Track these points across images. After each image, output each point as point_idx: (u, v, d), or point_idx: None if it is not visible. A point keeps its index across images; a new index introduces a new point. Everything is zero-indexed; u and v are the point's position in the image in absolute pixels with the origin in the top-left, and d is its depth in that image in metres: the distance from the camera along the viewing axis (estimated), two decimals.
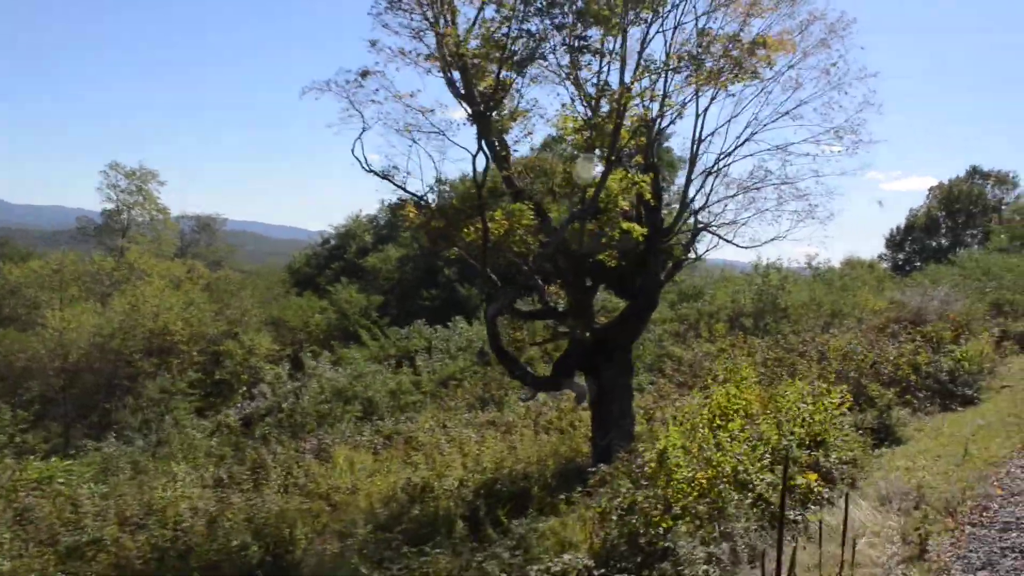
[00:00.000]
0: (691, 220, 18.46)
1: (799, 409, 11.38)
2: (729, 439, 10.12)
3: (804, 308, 28.36)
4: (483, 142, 12.86)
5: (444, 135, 12.85)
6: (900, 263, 63.23)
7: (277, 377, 28.98)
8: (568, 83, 13.67)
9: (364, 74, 12.07)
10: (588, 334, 15.81)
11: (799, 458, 10.12)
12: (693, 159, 16.92)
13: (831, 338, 23.63)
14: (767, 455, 10.13)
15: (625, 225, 15.89)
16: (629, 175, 15.92)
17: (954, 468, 10.02)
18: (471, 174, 13.50)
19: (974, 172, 60.99)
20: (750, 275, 34.63)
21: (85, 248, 53.46)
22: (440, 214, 13.32)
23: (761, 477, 9.27)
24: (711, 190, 18.22)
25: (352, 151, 12.95)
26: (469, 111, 13.17)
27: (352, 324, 39.02)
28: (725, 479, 9.22)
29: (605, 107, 13.47)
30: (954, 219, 59.86)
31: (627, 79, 13.34)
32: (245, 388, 30.80)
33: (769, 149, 16.70)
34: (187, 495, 16.94)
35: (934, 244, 60.48)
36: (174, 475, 18.50)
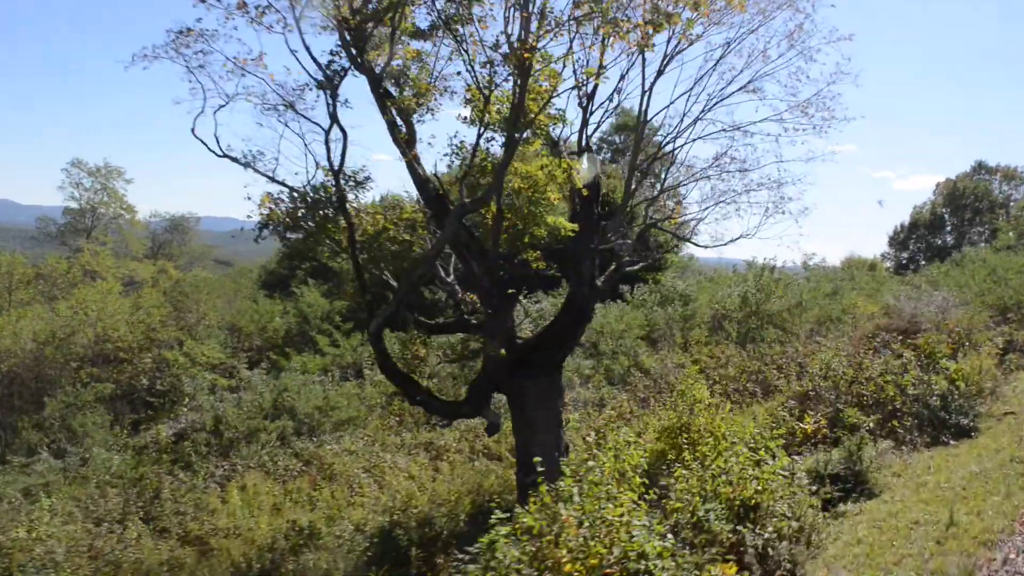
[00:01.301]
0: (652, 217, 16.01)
1: (731, 461, 8.72)
2: (631, 504, 7.50)
3: (790, 313, 25.66)
4: (336, 116, 10.27)
5: (293, 109, 10.25)
6: (904, 262, 60.43)
7: (210, 389, 26.55)
8: (465, 47, 11.04)
9: (184, 33, 9.52)
10: (504, 352, 13.26)
11: (719, 535, 7.51)
12: (638, 142, 14.35)
13: (817, 349, 21.04)
14: (680, 527, 7.54)
15: (550, 220, 13.35)
16: (555, 160, 13.45)
17: (934, 547, 7.38)
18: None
19: (979, 167, 58.01)
20: (737, 276, 31.96)
21: (49, 248, 51.05)
22: (303, 207, 10.73)
23: (661, 567, 6.64)
24: (664, 179, 15.73)
25: (193, 131, 10.38)
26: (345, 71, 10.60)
27: (313, 330, 36.44)
28: (609, 570, 6.64)
29: (503, 72, 10.88)
30: (960, 216, 56.95)
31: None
32: (187, 400, 28.41)
33: (725, 130, 14.11)
34: (44, 535, 14.61)
35: (939, 242, 57.57)
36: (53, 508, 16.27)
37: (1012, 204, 54.61)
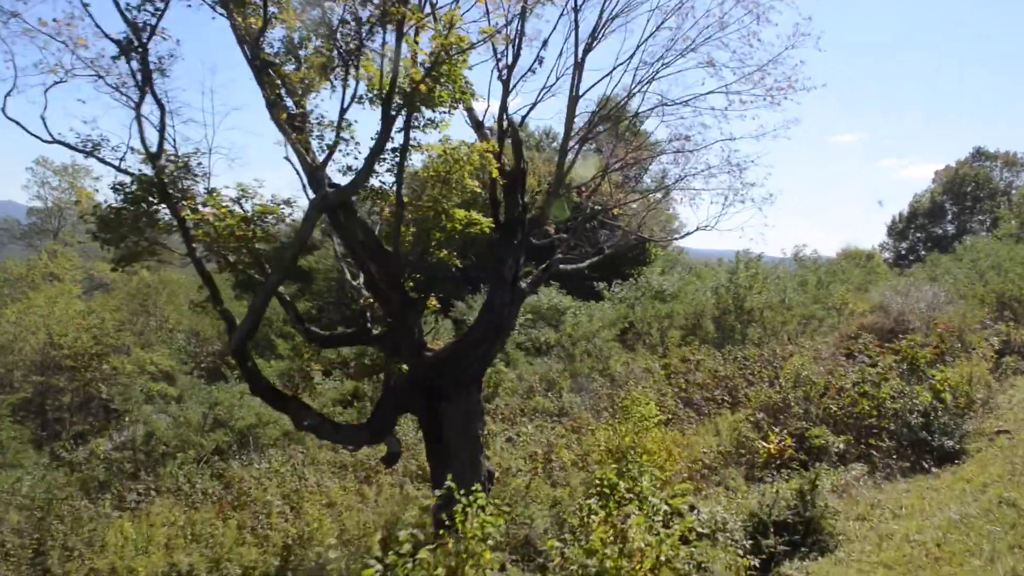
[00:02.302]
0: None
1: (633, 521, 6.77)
2: None
3: (773, 311, 23.68)
4: (148, 84, 8.33)
5: (102, 79, 8.29)
6: (903, 253, 58.38)
7: (147, 399, 24.79)
8: None
9: None
10: (405, 367, 11.41)
11: None
12: (570, 120, 12.40)
13: (796, 351, 19.10)
14: None
15: (460, 215, 11.43)
16: (467, 144, 11.55)
17: None
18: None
19: (979, 154, 55.77)
20: (718, 270, 29.97)
21: (14, 251, 49.19)
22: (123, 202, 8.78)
23: None
24: (608, 165, 13.81)
25: (3, 110, 8.46)
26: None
27: (275, 333, 34.64)
28: None
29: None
30: (960, 204, 54.82)
31: None
32: (131, 411, 26.63)
33: (665, 104, 12.17)
34: None
35: (939, 232, 55.47)
36: None
37: (1014, 191, 52.45)
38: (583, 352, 25.27)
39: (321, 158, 10.23)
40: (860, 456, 11.70)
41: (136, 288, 41.54)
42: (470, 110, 12.40)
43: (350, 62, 8.90)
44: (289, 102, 10.29)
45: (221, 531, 13.80)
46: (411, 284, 11.81)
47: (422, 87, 9.07)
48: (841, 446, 11.49)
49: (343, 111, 9.12)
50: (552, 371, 23.40)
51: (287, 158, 10.40)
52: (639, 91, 12.05)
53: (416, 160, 11.99)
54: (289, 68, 10.32)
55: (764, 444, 12.65)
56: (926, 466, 10.64)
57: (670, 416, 17.22)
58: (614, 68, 12.14)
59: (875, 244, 58.81)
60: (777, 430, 13.06)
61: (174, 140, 8.95)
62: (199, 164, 9.09)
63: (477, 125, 12.31)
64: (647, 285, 29.64)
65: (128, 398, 23.97)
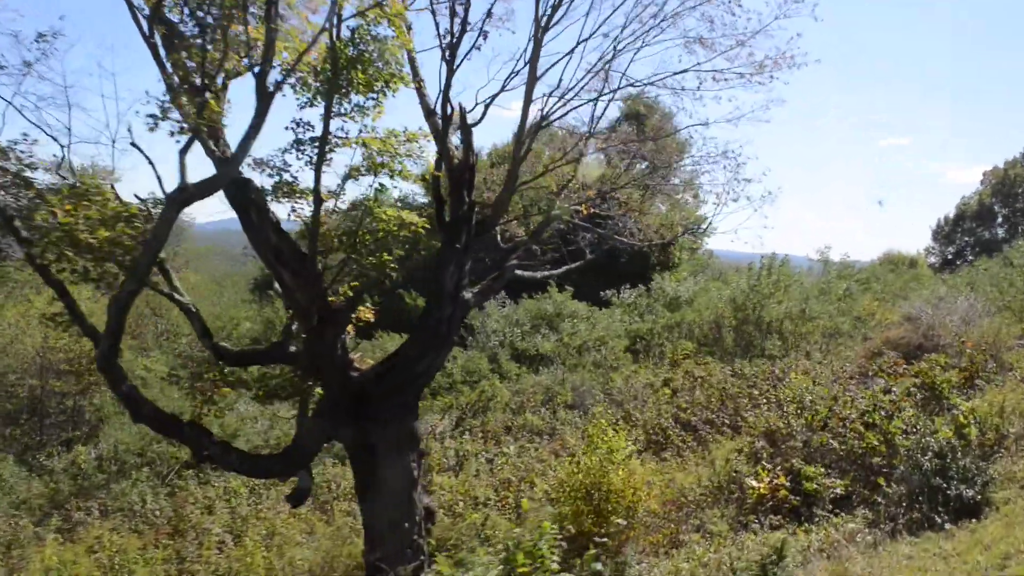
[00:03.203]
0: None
1: None
2: None
3: (793, 322, 21.65)
4: None
5: None
6: (949, 258, 55.35)
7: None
8: None
9: None
10: (320, 391, 9.88)
11: None
12: (527, 105, 10.75)
13: (809, 369, 17.18)
14: None
15: (389, 214, 9.85)
16: (409, 133, 10.01)
17: None
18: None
19: None
20: (738, 275, 27.90)
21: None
22: None
23: None
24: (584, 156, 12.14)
25: None
26: None
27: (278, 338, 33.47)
28: None
29: None
30: (1011, 206, 51.65)
31: None
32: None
33: (633, 85, 10.43)
34: None
35: (987, 235, 52.36)
36: None
37: None
38: (591, 363, 23.57)
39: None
40: (863, 502, 9.83)
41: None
42: (422, 96, 10.87)
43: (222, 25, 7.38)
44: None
45: (148, 561, 12.47)
46: (349, 292, 10.33)
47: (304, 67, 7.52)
48: (840, 491, 9.63)
49: (258, 119, 7.60)
50: (551, 387, 21.73)
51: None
52: (601, 69, 10.28)
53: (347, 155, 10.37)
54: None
55: (754, 483, 10.84)
56: (939, 521, 8.72)
57: (660, 442, 15.48)
58: (576, 45, 10.42)
59: (920, 248, 55.86)
60: (770, 466, 11.25)
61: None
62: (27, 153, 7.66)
63: (428, 113, 10.73)
64: (661, 291, 27.73)
65: (100, 407, 22.85)
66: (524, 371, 22.67)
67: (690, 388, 17.96)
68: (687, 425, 15.93)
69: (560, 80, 10.29)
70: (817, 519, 9.52)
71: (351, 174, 10.11)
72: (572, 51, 10.37)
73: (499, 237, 12.97)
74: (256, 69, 8.15)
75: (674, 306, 27.25)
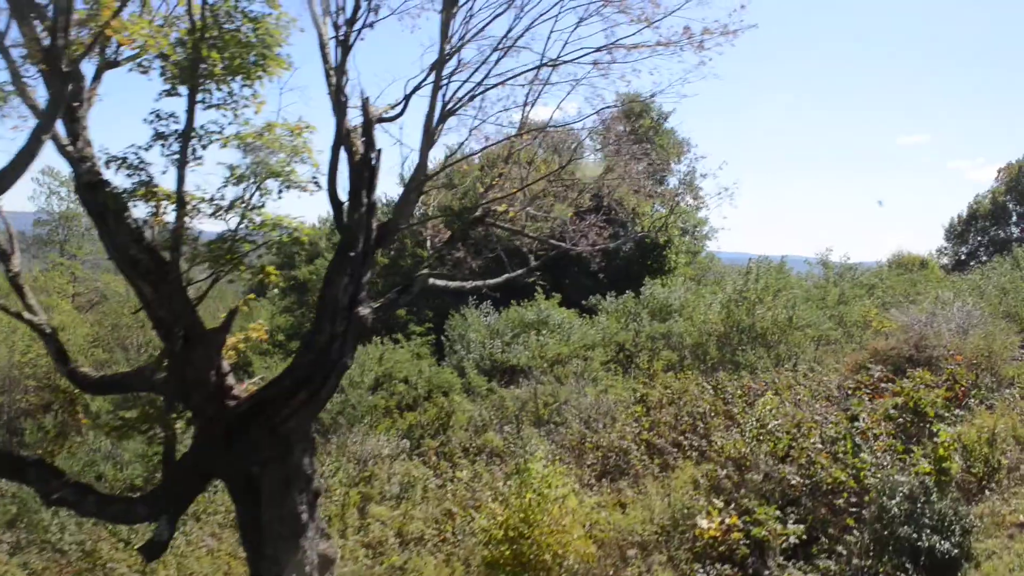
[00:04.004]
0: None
1: None
2: None
3: (781, 331, 20.07)
4: None
5: None
6: (963, 258, 53.38)
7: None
8: None
9: None
10: (182, 424, 8.54)
11: None
12: (436, 90, 9.34)
13: (792, 384, 15.68)
14: None
15: (264, 216, 8.52)
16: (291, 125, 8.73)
17: None
18: None
19: None
20: (731, 280, 26.27)
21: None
22: None
23: None
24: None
25: None
26: None
27: (252, 351, 32.20)
28: None
29: None
30: None
31: None
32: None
33: (546, 66, 9.02)
34: None
35: (1001, 234, 50.41)
36: None
37: None
38: (568, 375, 22.11)
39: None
40: (826, 551, 8.35)
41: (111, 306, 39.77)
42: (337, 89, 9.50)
43: None
44: None
45: None
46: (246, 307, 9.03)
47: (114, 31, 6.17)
48: (793, 539, 8.16)
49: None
50: (527, 399, 20.33)
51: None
52: (512, 46, 8.87)
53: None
54: None
55: (704, 523, 9.38)
56: None
57: (622, 467, 14.05)
58: (492, 19, 9.01)
59: (932, 249, 53.88)
60: (724, 503, 9.79)
61: None
62: None
63: (339, 105, 9.37)
64: (650, 298, 26.21)
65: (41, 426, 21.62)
66: (494, 385, 21.23)
67: (667, 404, 16.47)
68: (654, 447, 14.49)
69: (458, 61, 8.85)
70: (768, 573, 8.06)
71: (232, 175, 8.81)
72: (482, 29, 8.98)
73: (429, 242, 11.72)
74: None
75: (663, 314, 25.69)
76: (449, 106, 9.15)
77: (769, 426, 10.64)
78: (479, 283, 11.52)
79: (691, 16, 8.65)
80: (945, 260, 54.35)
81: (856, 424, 9.42)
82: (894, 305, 21.60)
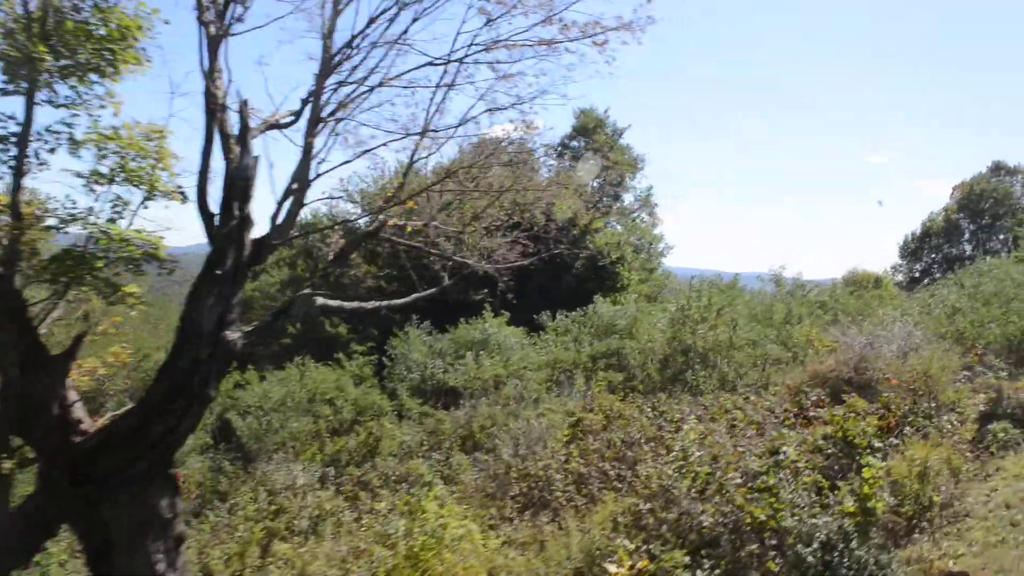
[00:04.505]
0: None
1: None
2: None
3: (722, 350, 19.42)
4: None
5: None
6: (917, 275, 53.72)
7: None
8: None
9: None
10: (12, 464, 7.55)
11: None
12: (321, 80, 8.47)
13: (732, 408, 14.97)
14: None
15: (114, 231, 7.59)
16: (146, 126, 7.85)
17: None
18: None
19: (998, 168, 50.91)
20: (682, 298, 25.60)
21: None
22: None
23: None
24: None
25: None
26: None
27: None
28: None
29: None
30: (977, 223, 50.06)
31: None
32: None
33: (435, 63, 8.22)
34: None
35: (954, 252, 50.76)
36: None
37: None
38: (509, 398, 21.26)
39: None
40: None
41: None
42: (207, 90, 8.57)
43: None
44: None
45: None
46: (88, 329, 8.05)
47: None
48: None
49: None
50: (465, 422, 19.46)
51: None
52: (394, 42, 8.05)
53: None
54: None
55: (613, 569, 8.55)
56: None
57: (546, 499, 13.19)
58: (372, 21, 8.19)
59: (887, 266, 54.12)
60: (641, 543, 8.99)
61: None
62: None
63: (213, 108, 8.47)
64: (595, 316, 25.50)
65: None
66: (428, 408, 20.29)
67: (600, 430, 15.66)
68: (582, 477, 13.67)
69: (333, 60, 8.01)
70: None
71: (91, 179, 7.88)
72: (365, 30, 8.16)
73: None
74: None
75: (608, 333, 24.97)
76: (327, 111, 8.30)
77: (691, 457, 9.85)
78: (380, 303, 10.67)
79: (589, 11, 7.85)
80: (900, 277, 54.69)
81: (779, 457, 8.67)
82: (845, 324, 21.10)
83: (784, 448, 8.73)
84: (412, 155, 9.60)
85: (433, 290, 11.21)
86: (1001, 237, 50.38)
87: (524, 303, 33.00)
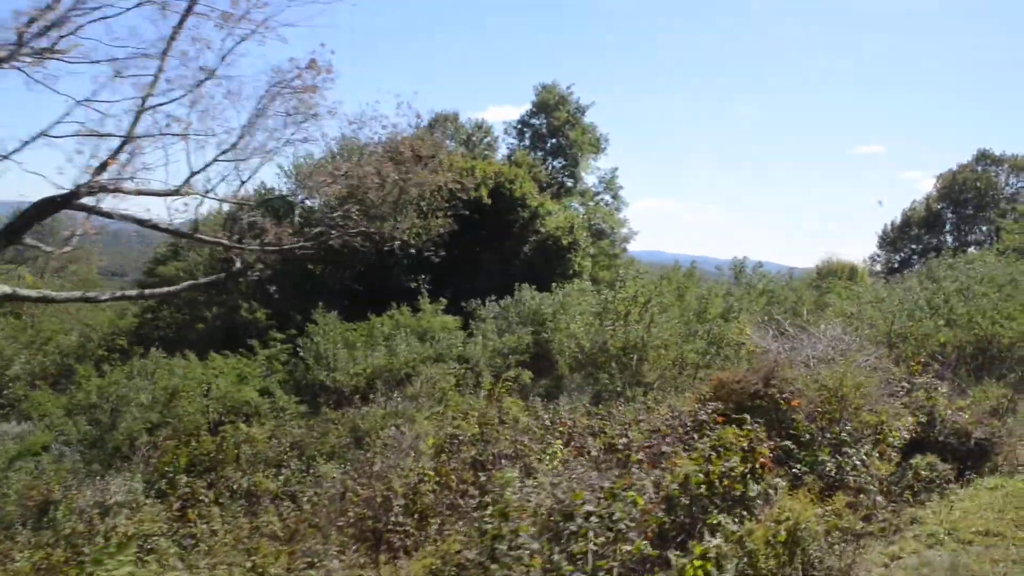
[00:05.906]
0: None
1: None
2: None
3: (635, 350, 16.98)
4: None
5: None
6: (895, 266, 51.63)
7: None
8: None
9: None
10: None
11: None
12: None
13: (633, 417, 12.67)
14: None
15: None
16: None
17: None
18: None
19: (983, 157, 48.49)
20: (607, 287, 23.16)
21: None
22: None
23: None
24: None
25: None
26: None
27: (90, 356, 28.34)
28: None
29: None
30: (960, 213, 47.80)
31: None
32: None
33: None
34: None
35: (935, 242, 48.55)
36: None
37: (1022, 199, 45.44)
38: (415, 395, 18.93)
39: None
40: None
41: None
42: None
43: None
44: None
45: None
46: None
47: None
48: None
49: None
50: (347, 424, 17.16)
51: None
52: None
53: None
54: None
55: None
56: None
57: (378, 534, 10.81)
58: None
59: (865, 257, 52.02)
60: None
61: None
62: None
63: None
64: (520, 305, 23.11)
65: None
66: (304, 407, 17.92)
67: (471, 443, 13.28)
68: (430, 505, 11.30)
69: None
70: None
71: None
72: None
73: None
74: None
75: (536, 322, 22.61)
76: None
77: (499, 504, 7.45)
78: (120, 294, 8.23)
79: None
80: (879, 268, 52.74)
81: (612, 510, 6.26)
82: (782, 321, 18.72)
83: (626, 494, 6.33)
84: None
85: (214, 277, 8.83)
86: (984, 229, 48.29)
87: (471, 289, 30.43)
